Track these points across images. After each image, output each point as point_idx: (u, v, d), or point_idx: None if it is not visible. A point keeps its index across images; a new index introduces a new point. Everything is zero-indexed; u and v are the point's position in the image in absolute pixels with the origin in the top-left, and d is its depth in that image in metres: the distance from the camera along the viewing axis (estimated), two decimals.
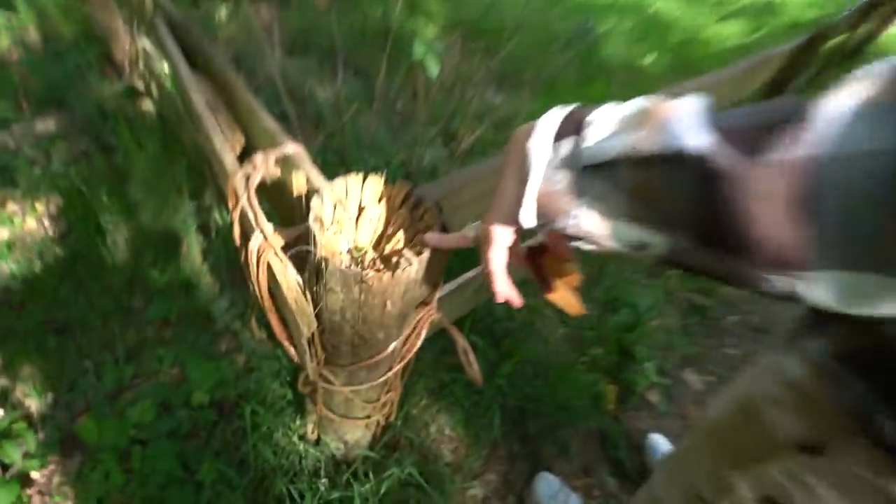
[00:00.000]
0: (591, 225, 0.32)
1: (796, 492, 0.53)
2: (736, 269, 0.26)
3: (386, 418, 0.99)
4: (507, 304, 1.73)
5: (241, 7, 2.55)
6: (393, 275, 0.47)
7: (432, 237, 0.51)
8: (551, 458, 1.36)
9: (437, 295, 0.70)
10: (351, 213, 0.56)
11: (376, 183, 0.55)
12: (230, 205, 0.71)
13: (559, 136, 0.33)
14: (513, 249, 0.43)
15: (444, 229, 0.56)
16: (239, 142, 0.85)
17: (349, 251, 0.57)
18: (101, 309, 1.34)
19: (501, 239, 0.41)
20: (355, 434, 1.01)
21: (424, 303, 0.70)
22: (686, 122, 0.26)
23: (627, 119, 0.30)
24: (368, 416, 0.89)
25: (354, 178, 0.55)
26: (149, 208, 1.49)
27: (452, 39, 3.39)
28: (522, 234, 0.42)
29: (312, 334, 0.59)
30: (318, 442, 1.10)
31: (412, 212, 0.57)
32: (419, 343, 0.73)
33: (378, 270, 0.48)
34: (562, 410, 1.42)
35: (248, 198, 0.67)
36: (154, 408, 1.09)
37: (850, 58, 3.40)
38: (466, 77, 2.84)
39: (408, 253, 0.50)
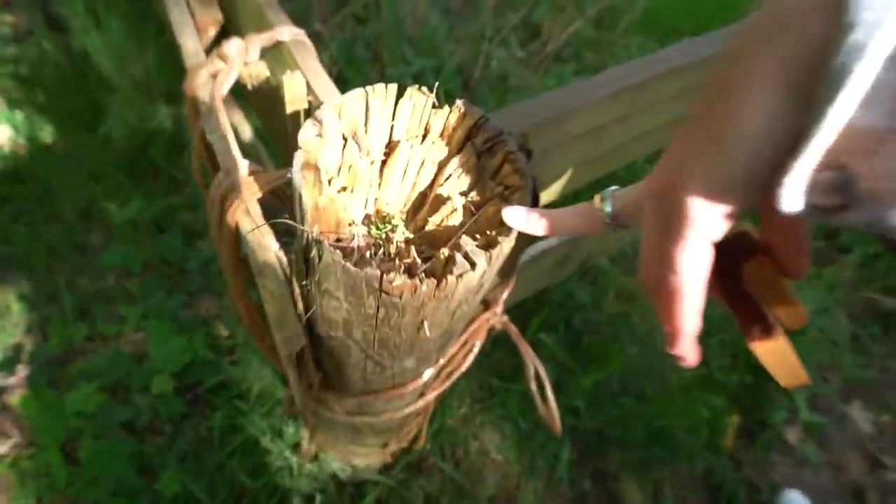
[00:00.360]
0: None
1: None
2: None
3: (410, 443, 0.90)
4: (591, 291, 1.58)
5: None
6: (439, 284, 0.33)
7: (519, 217, 0.36)
8: None
9: (506, 294, 0.57)
10: (374, 153, 0.41)
11: (420, 101, 0.40)
12: (189, 118, 0.59)
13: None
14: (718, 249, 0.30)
15: (536, 197, 0.40)
16: (214, 21, 0.71)
17: (368, 220, 0.43)
18: (46, 243, 1.31)
19: (705, 225, 0.28)
20: (367, 458, 0.94)
21: (485, 304, 0.56)
22: None
23: None
24: (385, 445, 0.80)
25: (383, 91, 0.40)
26: (112, 111, 1.42)
27: None
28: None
29: (302, 350, 0.47)
30: (316, 457, 1.04)
31: (481, 158, 0.41)
32: (469, 361, 0.60)
33: (413, 274, 0.33)
34: (658, 442, 1.33)
35: (215, 110, 0.54)
36: (101, 391, 1.05)
37: None
38: None
39: (469, 243, 0.35)
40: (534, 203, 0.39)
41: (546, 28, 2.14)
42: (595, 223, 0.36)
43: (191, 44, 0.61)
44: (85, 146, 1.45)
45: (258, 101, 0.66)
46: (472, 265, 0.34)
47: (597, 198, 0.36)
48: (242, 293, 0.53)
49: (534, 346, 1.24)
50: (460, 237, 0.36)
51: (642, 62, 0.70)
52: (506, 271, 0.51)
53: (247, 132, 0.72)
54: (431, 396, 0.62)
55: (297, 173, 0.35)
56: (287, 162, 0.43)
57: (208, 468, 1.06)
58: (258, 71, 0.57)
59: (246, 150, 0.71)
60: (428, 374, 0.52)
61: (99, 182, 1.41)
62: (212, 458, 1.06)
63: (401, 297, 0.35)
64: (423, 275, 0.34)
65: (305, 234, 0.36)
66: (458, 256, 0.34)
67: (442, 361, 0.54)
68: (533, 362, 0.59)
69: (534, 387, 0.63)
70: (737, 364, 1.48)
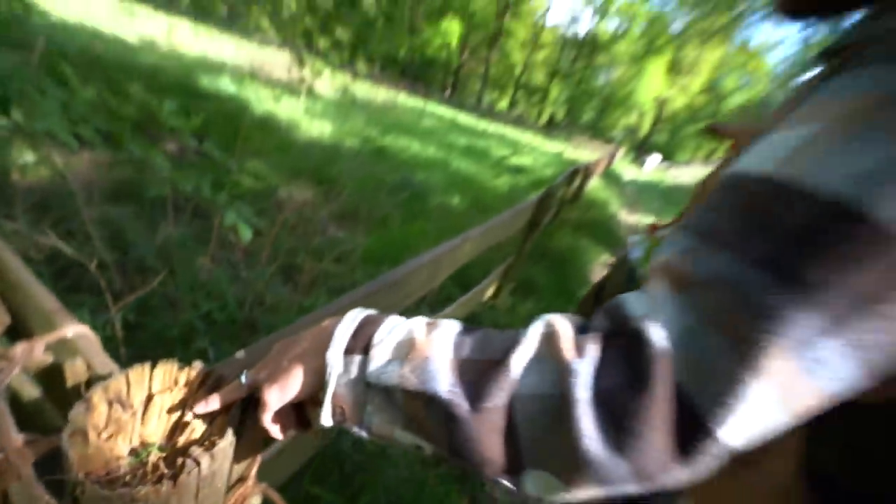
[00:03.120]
0: (379, 429, 0.34)
1: None
2: (479, 473, 0.31)
3: None
4: (352, 439, 1.53)
5: (46, 152, 2.20)
6: (176, 483, 0.38)
7: (199, 405, 0.43)
8: None
9: (255, 467, 0.59)
10: (135, 408, 0.45)
11: (168, 369, 0.47)
12: None
13: (349, 351, 0.35)
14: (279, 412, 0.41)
15: (254, 397, 0.49)
16: (2, 325, 0.65)
17: (133, 452, 0.45)
18: None
19: (271, 405, 0.39)
20: None
21: (242, 479, 0.58)
22: (438, 363, 0.31)
23: (400, 347, 0.34)
24: None
25: (140, 368, 0.46)
26: None
27: (297, 185, 3.47)
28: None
29: None
30: None
31: (213, 391, 0.49)
32: None
33: (156, 482, 0.38)
34: None
35: None
36: None
37: (572, 202, 4.61)
38: (309, 218, 2.87)
39: (196, 449, 0.41)
40: (242, 419, 0.48)
41: (306, 269, 2.29)
42: (240, 392, 0.43)
43: None
44: None
45: (42, 378, 0.61)
46: (197, 463, 0.40)
47: (239, 378, 0.44)
48: None
49: (311, 498, 1.16)
50: (190, 447, 0.42)
51: (364, 287, 0.85)
52: (249, 455, 0.54)
53: (33, 394, 0.63)
54: None
55: (64, 441, 0.37)
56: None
57: None
58: (43, 359, 0.56)
59: (30, 415, 0.62)
60: None
61: None
62: None
63: (148, 501, 0.38)
64: (160, 484, 0.39)
65: (70, 479, 0.37)
66: (187, 460, 0.40)
67: None
68: None
69: None
70: None
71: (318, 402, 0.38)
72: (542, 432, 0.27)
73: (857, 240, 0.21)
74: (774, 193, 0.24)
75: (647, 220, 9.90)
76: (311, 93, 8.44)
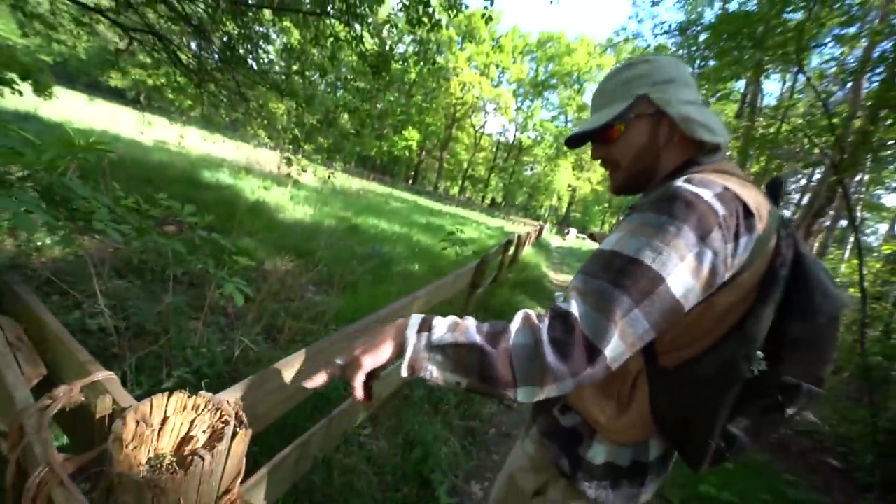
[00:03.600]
0: (436, 374, 0.48)
1: None
2: (497, 393, 0.46)
3: None
4: (323, 473, 1.49)
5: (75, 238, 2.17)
6: (186, 472, 0.46)
7: (308, 381, 0.53)
8: None
9: (239, 480, 0.64)
10: (154, 426, 0.52)
11: (180, 397, 0.55)
12: (11, 444, 0.56)
13: (419, 331, 0.50)
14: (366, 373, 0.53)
15: (241, 420, 0.57)
16: (39, 375, 0.69)
17: (148, 461, 0.51)
18: None
19: (366, 367, 0.51)
20: None
21: (227, 491, 0.63)
22: (472, 328, 0.48)
23: (450, 324, 0.50)
24: None
25: (159, 397, 0.54)
26: None
27: (281, 258, 3.50)
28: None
29: None
30: None
31: (214, 413, 0.57)
32: None
33: (172, 473, 0.45)
34: None
35: (41, 429, 0.55)
36: None
37: (510, 266, 4.92)
38: (290, 285, 2.90)
39: (201, 450, 0.49)
40: (239, 422, 0.56)
41: (286, 328, 2.27)
42: (335, 370, 0.53)
43: (21, 394, 0.60)
44: None
45: (71, 419, 0.65)
46: (203, 458, 0.48)
47: (334, 361, 0.54)
48: None
49: None
50: (197, 449, 0.50)
51: (323, 340, 0.94)
52: (235, 468, 0.59)
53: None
54: None
55: (111, 444, 0.45)
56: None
57: None
58: (77, 398, 0.61)
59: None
60: None
61: None
62: None
63: (165, 486, 0.45)
64: (175, 472, 0.46)
65: (113, 472, 0.44)
66: (195, 458, 0.48)
67: None
68: None
69: None
70: (412, 483, 1.52)
71: (378, 376, 0.53)
72: (527, 362, 0.44)
73: (638, 268, 0.45)
74: (611, 254, 0.48)
75: (569, 277, 10.56)
76: (296, 183, 8.70)
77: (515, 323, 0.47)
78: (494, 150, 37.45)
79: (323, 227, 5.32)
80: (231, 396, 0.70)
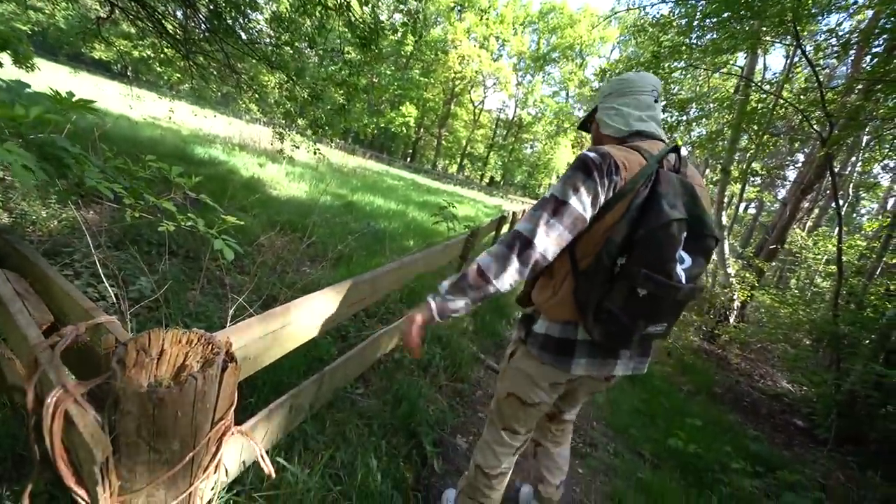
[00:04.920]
0: (451, 306, 0.84)
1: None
2: (486, 292, 0.83)
3: None
4: (316, 424, 1.57)
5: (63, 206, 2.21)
6: (181, 389, 0.53)
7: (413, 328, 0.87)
8: None
9: (232, 410, 0.72)
10: (153, 356, 0.60)
11: (176, 332, 0.62)
12: (28, 374, 0.64)
13: (435, 295, 0.85)
14: (420, 327, 0.87)
15: (231, 355, 0.65)
16: (47, 322, 0.76)
17: (149, 385, 0.59)
18: None
19: (420, 322, 0.86)
20: None
21: (222, 418, 0.71)
22: (470, 274, 0.83)
23: (452, 279, 0.85)
24: None
25: (157, 332, 0.61)
26: None
27: (276, 233, 3.55)
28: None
29: (107, 460, 0.54)
30: None
31: (206, 346, 0.64)
32: (220, 455, 0.70)
33: (169, 388, 0.53)
34: (369, 498, 1.31)
35: (54, 359, 0.63)
36: None
37: None
38: (285, 258, 2.96)
39: (195, 373, 0.57)
40: (229, 358, 0.64)
41: (281, 295, 2.37)
42: (412, 320, 0.87)
43: (33, 332, 0.67)
44: None
45: (78, 358, 0.72)
46: (196, 378, 0.56)
47: (407, 315, 0.90)
48: (62, 453, 0.57)
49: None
50: (191, 369, 0.58)
51: (318, 293, 1.02)
52: (227, 398, 0.66)
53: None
54: (199, 482, 0.68)
55: (115, 364, 0.52)
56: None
57: None
58: (83, 338, 0.68)
59: None
60: (189, 455, 0.62)
61: None
62: None
63: (164, 398, 0.53)
64: (172, 387, 0.54)
65: (118, 387, 0.52)
66: (190, 377, 0.56)
67: (200, 448, 0.64)
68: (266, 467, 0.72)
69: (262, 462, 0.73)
70: (401, 437, 1.66)
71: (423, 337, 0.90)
72: (493, 263, 0.80)
73: (553, 199, 0.80)
74: (548, 196, 0.81)
75: None
76: (291, 160, 8.61)
77: (493, 249, 0.83)
78: (494, 127, 36.73)
79: (318, 203, 5.34)
80: (222, 336, 0.77)
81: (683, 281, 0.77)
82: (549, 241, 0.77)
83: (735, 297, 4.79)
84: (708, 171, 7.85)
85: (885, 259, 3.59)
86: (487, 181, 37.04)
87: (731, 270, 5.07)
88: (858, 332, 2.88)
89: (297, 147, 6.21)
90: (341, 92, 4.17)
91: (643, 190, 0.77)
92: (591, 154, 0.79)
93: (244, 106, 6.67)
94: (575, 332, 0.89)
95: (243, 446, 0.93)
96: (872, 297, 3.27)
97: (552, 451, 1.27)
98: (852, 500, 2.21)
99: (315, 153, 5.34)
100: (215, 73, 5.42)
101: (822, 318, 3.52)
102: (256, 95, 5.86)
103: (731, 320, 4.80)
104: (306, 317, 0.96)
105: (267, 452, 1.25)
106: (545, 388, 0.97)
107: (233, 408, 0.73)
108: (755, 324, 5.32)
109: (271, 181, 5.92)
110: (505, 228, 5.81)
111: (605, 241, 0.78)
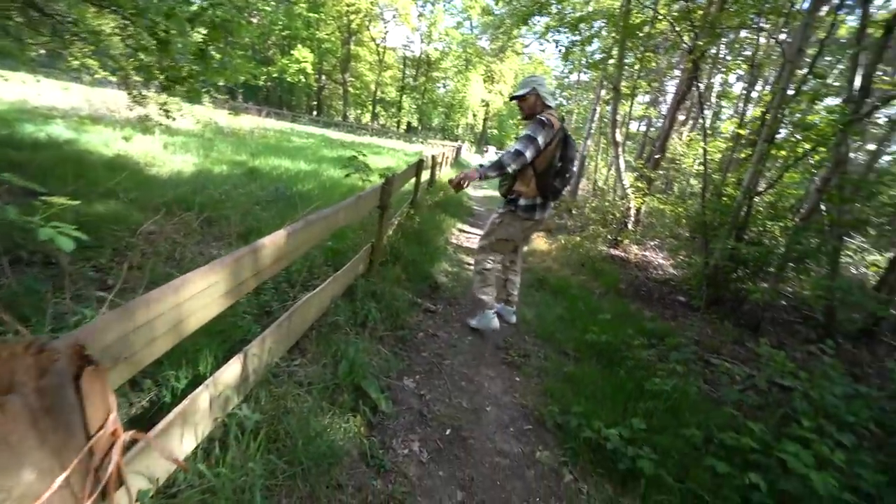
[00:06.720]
0: (489, 174, 2.13)
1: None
2: (505, 171, 2.15)
3: None
4: (251, 406, 1.50)
5: None
6: (3, 412, 0.43)
7: (463, 179, 2.12)
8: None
9: (112, 416, 0.63)
10: None
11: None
12: None
13: (479, 168, 2.16)
14: (472, 179, 2.11)
15: (87, 358, 0.54)
16: None
17: None
18: None
19: (472, 176, 2.10)
20: None
21: (100, 428, 0.61)
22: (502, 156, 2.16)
23: (492, 161, 2.18)
24: None
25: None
26: None
27: (165, 217, 3.03)
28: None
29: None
30: None
31: (37, 355, 0.52)
32: (113, 467, 0.62)
33: None
34: (320, 458, 1.31)
35: None
36: None
37: (429, 189, 4.87)
38: (182, 243, 2.59)
39: (23, 389, 0.46)
40: (83, 362, 0.53)
41: None
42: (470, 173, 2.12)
43: None
44: None
45: None
46: (19, 396, 0.46)
47: (463, 172, 2.12)
48: None
49: None
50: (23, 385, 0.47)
51: (228, 256, 0.88)
52: (100, 405, 0.58)
53: None
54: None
55: None
56: None
57: None
58: None
59: None
60: (57, 482, 0.53)
61: None
62: None
63: None
64: None
65: None
66: (9, 396, 0.45)
67: (77, 459, 0.55)
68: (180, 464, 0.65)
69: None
70: (349, 393, 1.67)
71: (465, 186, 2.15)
72: (507, 158, 2.13)
73: (530, 137, 2.15)
74: (526, 136, 2.17)
75: (489, 192, 11.01)
76: (168, 130, 7.16)
77: (504, 154, 2.14)
78: (402, 67, 34.12)
79: (212, 175, 4.63)
80: (90, 336, 0.64)
81: (574, 170, 2.24)
82: (530, 154, 2.10)
83: (631, 205, 5.46)
84: (603, 91, 8.39)
85: (733, 154, 4.32)
86: (405, 128, 35.34)
87: (626, 183, 5.71)
88: (720, 218, 3.54)
89: (168, 112, 5.13)
90: (199, 32, 3.40)
91: (561, 134, 2.18)
92: (544, 118, 2.12)
93: (78, 63, 5.18)
94: (535, 201, 2.28)
95: (154, 451, 0.85)
96: (729, 188, 3.97)
97: (513, 280, 2.67)
98: (714, 345, 2.88)
99: (184, 116, 4.43)
100: (18, 19, 4.04)
101: (694, 211, 4.22)
102: (92, 47, 4.55)
103: (629, 226, 5.53)
104: (189, 299, 0.84)
105: (200, 446, 1.17)
106: (520, 230, 2.41)
107: (112, 414, 0.64)
108: (649, 226, 6.21)
109: (146, 157, 4.92)
110: (425, 174, 5.71)
111: (551, 157, 2.18)
